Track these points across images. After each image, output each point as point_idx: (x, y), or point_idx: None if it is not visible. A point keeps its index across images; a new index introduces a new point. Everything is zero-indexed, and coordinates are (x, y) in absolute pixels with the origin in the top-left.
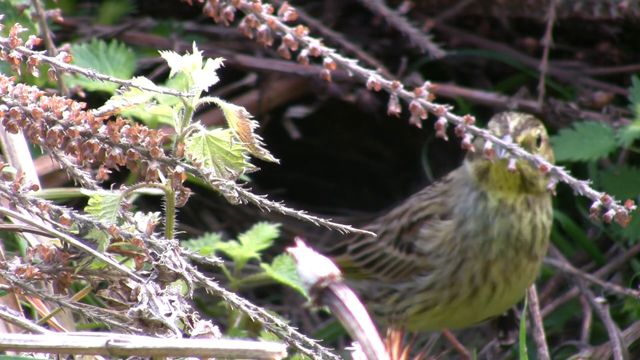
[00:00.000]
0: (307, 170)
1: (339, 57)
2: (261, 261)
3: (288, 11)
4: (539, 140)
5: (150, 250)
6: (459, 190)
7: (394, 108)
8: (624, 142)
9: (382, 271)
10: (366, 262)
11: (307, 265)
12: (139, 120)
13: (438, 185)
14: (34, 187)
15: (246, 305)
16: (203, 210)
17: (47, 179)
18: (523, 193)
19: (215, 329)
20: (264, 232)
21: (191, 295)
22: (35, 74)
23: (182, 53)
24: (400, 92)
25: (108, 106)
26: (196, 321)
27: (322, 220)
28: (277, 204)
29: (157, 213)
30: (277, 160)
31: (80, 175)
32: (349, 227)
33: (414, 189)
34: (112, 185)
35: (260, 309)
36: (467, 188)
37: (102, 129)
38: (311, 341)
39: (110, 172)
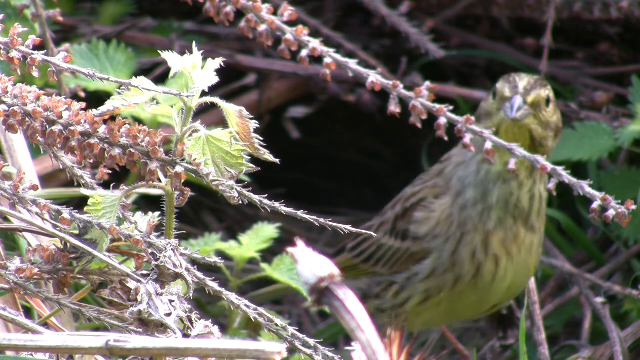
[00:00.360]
0: (307, 170)
1: (339, 57)
2: (261, 261)
3: (288, 11)
4: (547, 101)
5: (150, 250)
6: (460, 158)
7: (394, 108)
8: (624, 142)
9: (379, 263)
10: (364, 256)
11: (307, 265)
12: (139, 120)
13: (433, 168)
14: (34, 187)
15: (246, 305)
16: (203, 210)
17: (47, 179)
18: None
19: (215, 329)
20: (264, 232)
21: (191, 295)
22: (35, 74)
23: (182, 53)
24: (400, 92)
25: (108, 106)
26: (196, 321)
27: (322, 220)
28: (277, 204)
29: (157, 213)
30: (277, 160)
31: (80, 175)
32: (349, 227)
33: None
34: (112, 185)
35: (260, 309)
36: (472, 153)
37: (102, 129)
38: (311, 341)
39: (110, 172)
